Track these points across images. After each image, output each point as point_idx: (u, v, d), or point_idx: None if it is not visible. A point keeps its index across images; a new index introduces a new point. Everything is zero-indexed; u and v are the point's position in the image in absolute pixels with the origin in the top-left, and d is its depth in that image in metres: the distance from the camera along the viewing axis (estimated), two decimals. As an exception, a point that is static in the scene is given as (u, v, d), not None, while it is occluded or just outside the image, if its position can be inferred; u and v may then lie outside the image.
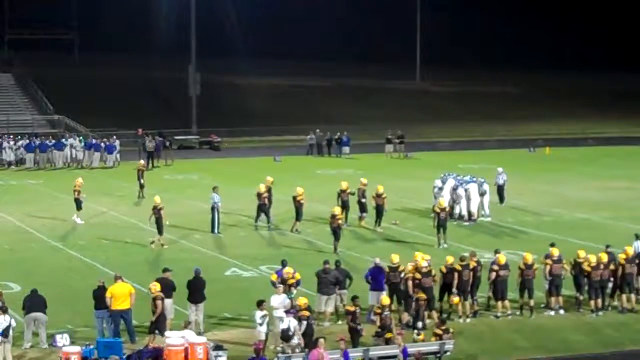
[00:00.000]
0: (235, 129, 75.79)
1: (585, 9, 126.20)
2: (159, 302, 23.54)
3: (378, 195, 38.48)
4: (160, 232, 35.42)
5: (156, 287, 23.85)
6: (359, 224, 38.87)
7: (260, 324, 23.06)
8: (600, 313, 26.70)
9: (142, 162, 49.50)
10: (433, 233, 35.93)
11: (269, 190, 38.93)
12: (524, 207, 43.96)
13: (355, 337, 23.25)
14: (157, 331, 23.44)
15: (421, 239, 36.26)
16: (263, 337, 22.90)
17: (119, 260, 32.97)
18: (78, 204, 40.12)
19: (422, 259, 26.15)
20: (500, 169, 44.51)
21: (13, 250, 35.29)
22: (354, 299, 23.85)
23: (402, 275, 26.03)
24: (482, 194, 40.42)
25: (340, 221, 34.75)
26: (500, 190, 43.65)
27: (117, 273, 25.12)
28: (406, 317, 25.16)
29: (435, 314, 25.44)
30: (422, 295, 24.60)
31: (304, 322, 22.76)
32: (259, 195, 38.52)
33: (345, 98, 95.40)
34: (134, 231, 38.23)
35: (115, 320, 23.93)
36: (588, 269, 26.73)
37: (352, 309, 23.55)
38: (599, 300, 26.82)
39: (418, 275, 25.69)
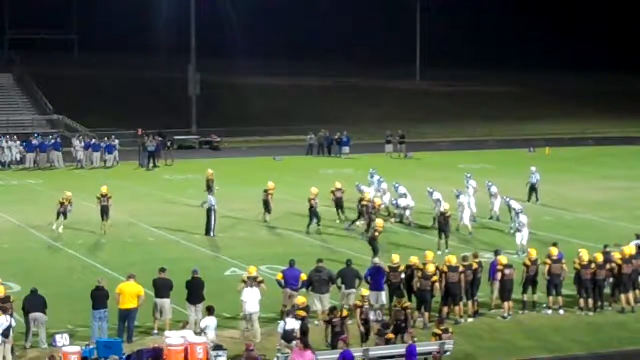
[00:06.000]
0: (235, 129, 75.78)
1: (585, 9, 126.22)
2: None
3: (338, 190, 39.48)
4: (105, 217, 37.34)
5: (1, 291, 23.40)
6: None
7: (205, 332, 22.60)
8: (591, 313, 26.66)
9: (210, 170, 45.42)
10: (432, 233, 35.97)
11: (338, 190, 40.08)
12: (524, 207, 43.80)
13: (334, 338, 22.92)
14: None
15: (421, 239, 36.26)
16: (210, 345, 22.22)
17: (119, 260, 32.95)
18: (64, 215, 38.11)
19: (452, 256, 26.50)
20: (533, 169, 45.53)
21: (13, 250, 35.29)
22: (332, 310, 23.43)
23: (403, 276, 26.10)
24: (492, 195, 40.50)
25: (377, 232, 32.88)
26: (532, 188, 44.80)
27: (131, 273, 25.08)
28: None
29: (457, 309, 25.63)
30: (409, 304, 24.45)
31: (299, 322, 22.72)
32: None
33: (345, 98, 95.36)
34: (133, 231, 38.21)
35: (122, 318, 23.96)
36: (577, 267, 26.76)
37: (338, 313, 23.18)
38: (590, 300, 26.77)
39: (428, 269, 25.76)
